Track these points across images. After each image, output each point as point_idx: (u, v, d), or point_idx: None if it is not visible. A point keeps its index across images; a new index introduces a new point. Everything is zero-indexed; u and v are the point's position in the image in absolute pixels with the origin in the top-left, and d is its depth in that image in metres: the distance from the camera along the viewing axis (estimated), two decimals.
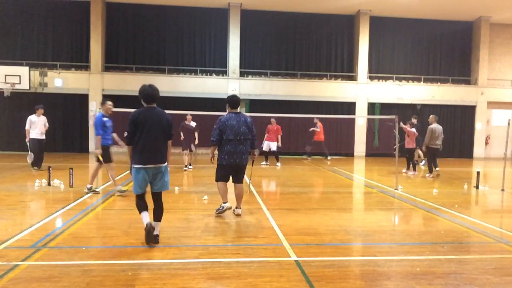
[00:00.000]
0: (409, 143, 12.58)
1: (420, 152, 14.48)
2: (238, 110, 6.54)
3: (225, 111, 6.55)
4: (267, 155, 14.30)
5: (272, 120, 14.23)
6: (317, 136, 15.99)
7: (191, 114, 12.02)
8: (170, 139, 5.08)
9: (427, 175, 12.09)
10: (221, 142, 6.23)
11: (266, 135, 14.38)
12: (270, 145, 14.16)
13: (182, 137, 12.03)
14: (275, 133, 14.19)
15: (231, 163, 6.24)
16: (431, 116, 12.60)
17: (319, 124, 15.92)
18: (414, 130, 12.66)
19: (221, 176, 6.43)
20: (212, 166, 6.66)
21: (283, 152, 17.44)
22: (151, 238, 4.80)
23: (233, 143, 6.17)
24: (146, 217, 4.91)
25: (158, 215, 5.03)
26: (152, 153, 4.86)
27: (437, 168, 11.90)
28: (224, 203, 6.47)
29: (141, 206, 5.01)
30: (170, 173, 6.60)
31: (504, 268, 4.36)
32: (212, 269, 4.14)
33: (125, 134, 4.95)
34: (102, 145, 7.95)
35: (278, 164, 13.96)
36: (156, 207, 5.05)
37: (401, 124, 12.18)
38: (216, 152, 6.44)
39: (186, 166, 12.31)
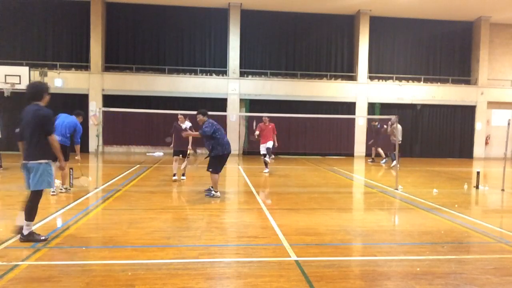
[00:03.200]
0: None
1: (380, 151, 15.84)
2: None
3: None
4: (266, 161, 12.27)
5: (265, 118, 12.25)
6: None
7: (183, 114, 10.23)
8: (48, 134, 4.89)
9: (392, 164, 14.12)
10: (217, 138, 7.86)
11: (257, 133, 12.16)
12: (267, 146, 12.11)
13: (171, 140, 10.05)
14: (270, 132, 12.21)
15: (225, 153, 7.98)
16: (393, 117, 14.01)
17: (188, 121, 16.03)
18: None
19: (218, 167, 8.03)
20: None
21: (283, 152, 17.48)
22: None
23: (226, 139, 8.05)
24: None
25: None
26: (25, 150, 4.92)
27: (394, 162, 13.36)
28: (216, 191, 8.02)
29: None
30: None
31: (504, 268, 4.36)
32: (212, 269, 4.14)
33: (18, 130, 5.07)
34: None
35: (266, 170, 12.25)
36: None
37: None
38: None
39: (175, 175, 10.02)
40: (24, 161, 4.88)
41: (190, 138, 9.87)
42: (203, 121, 8.07)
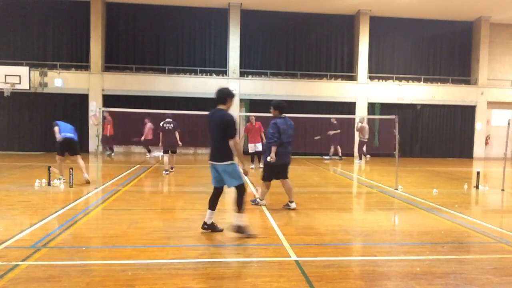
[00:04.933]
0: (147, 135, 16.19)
1: (339, 148, 16.98)
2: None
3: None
4: (253, 157, 13.19)
5: (252, 118, 12.81)
6: (106, 130, 16.20)
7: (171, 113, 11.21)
8: (230, 138, 5.14)
9: (356, 161, 16.12)
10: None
11: (243, 135, 13.12)
12: (256, 146, 12.75)
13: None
14: (258, 132, 12.67)
15: (281, 163, 6.99)
16: (360, 117, 16.46)
17: (109, 118, 16.15)
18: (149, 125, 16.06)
19: (271, 176, 7.11)
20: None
21: None
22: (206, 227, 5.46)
23: (285, 145, 6.99)
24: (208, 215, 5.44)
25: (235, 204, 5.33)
26: (211, 151, 5.29)
27: (367, 156, 16.41)
28: (261, 200, 7.31)
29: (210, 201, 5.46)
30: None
31: (504, 268, 4.36)
32: (212, 269, 4.14)
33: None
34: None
35: (261, 165, 13.15)
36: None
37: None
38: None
39: (166, 170, 11.23)
40: (210, 161, 5.29)
41: (177, 135, 11.07)
42: (274, 116, 7.20)
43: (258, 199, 7.37)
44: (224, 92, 5.31)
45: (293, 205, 7.09)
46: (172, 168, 11.59)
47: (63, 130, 9.07)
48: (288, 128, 7.10)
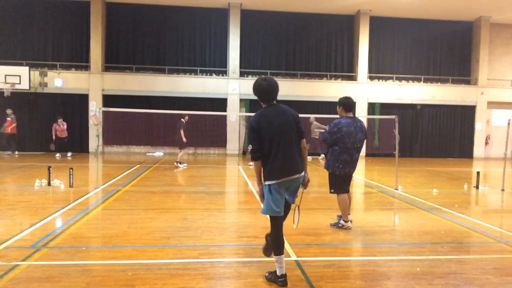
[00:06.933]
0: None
1: None
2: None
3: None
4: None
5: None
6: (8, 128, 15.90)
7: (188, 114, 12.91)
8: (303, 137, 3.92)
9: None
10: (336, 149, 5.61)
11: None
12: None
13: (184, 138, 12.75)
14: None
15: (345, 172, 5.66)
16: (312, 116, 17.01)
17: (12, 116, 15.87)
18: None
19: (339, 187, 5.72)
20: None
21: None
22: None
23: (350, 152, 5.59)
24: (282, 263, 3.77)
25: None
26: (288, 161, 3.72)
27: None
28: (346, 221, 5.74)
29: (278, 240, 3.89)
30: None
31: (504, 268, 4.36)
32: (212, 269, 4.14)
33: (250, 148, 3.81)
34: None
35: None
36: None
37: None
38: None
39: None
40: (291, 176, 3.73)
41: (182, 133, 12.53)
42: (340, 115, 5.73)
43: (342, 221, 5.78)
44: (277, 87, 3.91)
45: (348, 224, 5.76)
46: (180, 164, 12.97)
47: None
48: (357, 131, 5.56)
